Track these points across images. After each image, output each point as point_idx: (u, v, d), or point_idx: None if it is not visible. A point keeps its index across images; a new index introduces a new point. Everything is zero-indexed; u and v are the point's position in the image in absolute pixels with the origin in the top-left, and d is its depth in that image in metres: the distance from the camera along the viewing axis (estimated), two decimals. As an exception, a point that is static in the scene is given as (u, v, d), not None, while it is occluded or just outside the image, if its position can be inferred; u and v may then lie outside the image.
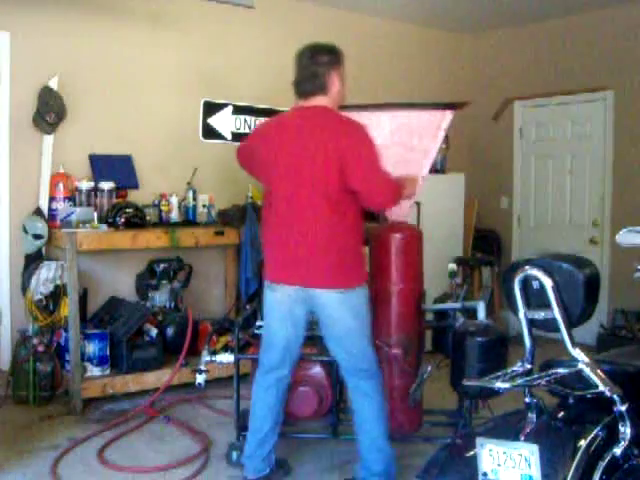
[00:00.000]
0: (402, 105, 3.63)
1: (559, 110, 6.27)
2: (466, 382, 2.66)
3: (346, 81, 3.11)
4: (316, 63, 3.02)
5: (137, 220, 4.48)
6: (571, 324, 2.12)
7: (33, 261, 4.51)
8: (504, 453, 1.94)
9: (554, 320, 2.10)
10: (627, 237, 2.60)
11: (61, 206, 4.55)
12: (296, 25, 5.73)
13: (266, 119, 3.39)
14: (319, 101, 3.02)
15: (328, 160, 2.88)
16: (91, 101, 4.81)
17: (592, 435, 1.98)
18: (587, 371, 2.03)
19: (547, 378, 2.10)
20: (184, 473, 3.42)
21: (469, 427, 3.36)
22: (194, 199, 5.03)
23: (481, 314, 3.31)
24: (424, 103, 3.74)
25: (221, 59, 5.38)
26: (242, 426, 3.52)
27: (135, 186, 4.90)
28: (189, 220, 4.97)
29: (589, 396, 2.06)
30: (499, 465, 1.95)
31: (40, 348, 4.33)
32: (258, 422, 3.18)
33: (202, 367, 3.75)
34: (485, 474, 1.97)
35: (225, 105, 5.31)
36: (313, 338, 3.52)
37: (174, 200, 4.92)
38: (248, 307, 4.07)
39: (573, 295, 2.12)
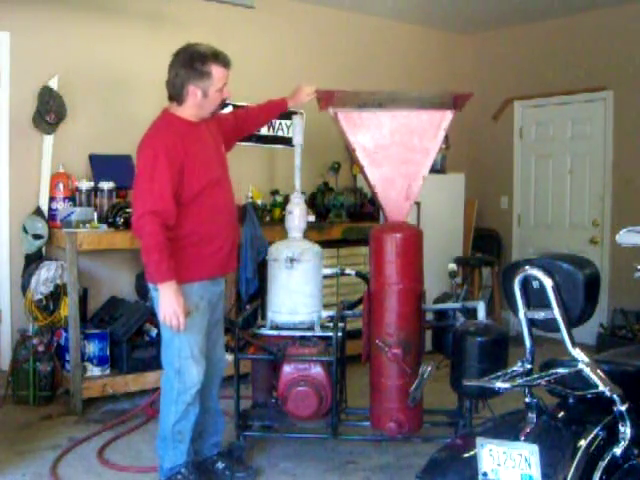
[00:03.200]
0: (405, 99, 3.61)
1: (559, 110, 6.26)
2: (466, 382, 2.67)
3: (213, 87, 3.05)
4: (175, 73, 3.01)
5: (137, 220, 4.47)
6: (571, 324, 2.12)
7: (33, 261, 4.51)
8: (504, 453, 1.95)
9: (554, 320, 2.11)
10: (627, 237, 2.60)
11: (61, 206, 4.55)
12: (296, 25, 5.73)
13: None
14: (173, 108, 3.05)
15: None
16: (91, 101, 4.81)
17: (592, 435, 1.98)
18: (587, 371, 2.03)
19: (547, 378, 2.10)
20: (184, 473, 3.42)
21: (469, 427, 3.36)
22: (194, 199, 5.01)
23: (481, 314, 3.31)
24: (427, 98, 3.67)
25: (221, 59, 5.37)
26: (242, 426, 3.52)
27: (135, 186, 4.89)
28: (189, 220, 4.94)
29: (589, 396, 2.06)
30: (499, 465, 1.95)
31: (40, 348, 4.34)
32: None
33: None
34: (485, 474, 1.97)
35: (225, 105, 5.28)
36: (312, 338, 3.53)
37: (174, 200, 4.90)
38: (248, 307, 4.07)
39: (573, 295, 2.12)
